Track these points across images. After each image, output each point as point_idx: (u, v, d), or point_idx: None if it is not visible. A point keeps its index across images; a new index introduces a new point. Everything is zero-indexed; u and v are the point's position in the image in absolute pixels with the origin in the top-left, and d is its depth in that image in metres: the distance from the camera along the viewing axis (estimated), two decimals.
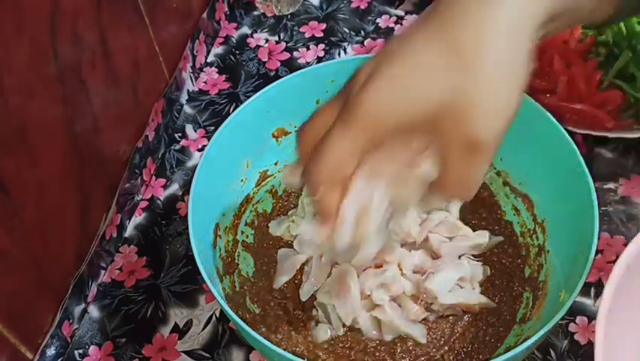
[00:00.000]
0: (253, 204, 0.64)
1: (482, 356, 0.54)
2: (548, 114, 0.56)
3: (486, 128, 0.35)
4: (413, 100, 0.35)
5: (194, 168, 0.61)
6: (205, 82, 0.82)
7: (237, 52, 0.86)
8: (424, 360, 0.55)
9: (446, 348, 0.55)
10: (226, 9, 0.89)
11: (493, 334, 0.55)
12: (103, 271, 0.65)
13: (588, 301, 0.60)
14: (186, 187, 0.72)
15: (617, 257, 0.61)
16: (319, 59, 0.84)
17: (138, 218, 0.70)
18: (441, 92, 0.35)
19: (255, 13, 0.91)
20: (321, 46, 0.86)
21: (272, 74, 0.83)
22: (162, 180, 0.73)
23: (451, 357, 0.55)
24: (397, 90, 0.36)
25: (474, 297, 0.56)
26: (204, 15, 0.83)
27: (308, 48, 0.85)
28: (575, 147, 0.53)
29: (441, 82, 0.35)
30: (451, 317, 0.57)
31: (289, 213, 0.65)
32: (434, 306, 0.56)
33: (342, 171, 0.38)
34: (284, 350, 0.48)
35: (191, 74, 0.81)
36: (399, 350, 0.55)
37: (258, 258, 0.62)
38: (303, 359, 0.52)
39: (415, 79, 0.35)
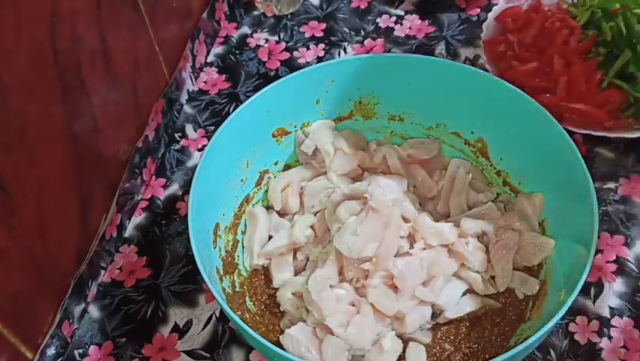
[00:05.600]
0: (253, 204, 0.64)
1: (489, 356, 0.54)
2: (548, 114, 0.56)
3: None
4: None
5: (194, 167, 0.60)
6: (205, 82, 0.82)
7: (237, 52, 0.86)
8: None
9: (452, 349, 0.55)
10: (226, 9, 0.89)
11: (499, 333, 0.55)
12: (103, 271, 0.65)
13: (588, 301, 0.60)
14: (186, 187, 0.72)
15: (617, 257, 0.62)
16: (319, 59, 0.84)
17: (138, 218, 0.70)
18: None
19: (255, 13, 0.91)
20: (321, 46, 0.86)
21: (272, 73, 0.83)
22: (162, 180, 0.73)
23: (457, 357, 0.55)
24: None
25: (478, 303, 0.56)
26: (204, 15, 0.83)
27: (308, 48, 0.85)
28: (575, 147, 0.53)
29: None
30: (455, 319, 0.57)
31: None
32: (440, 320, 0.56)
33: None
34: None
35: (191, 74, 0.81)
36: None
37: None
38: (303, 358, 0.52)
39: None
